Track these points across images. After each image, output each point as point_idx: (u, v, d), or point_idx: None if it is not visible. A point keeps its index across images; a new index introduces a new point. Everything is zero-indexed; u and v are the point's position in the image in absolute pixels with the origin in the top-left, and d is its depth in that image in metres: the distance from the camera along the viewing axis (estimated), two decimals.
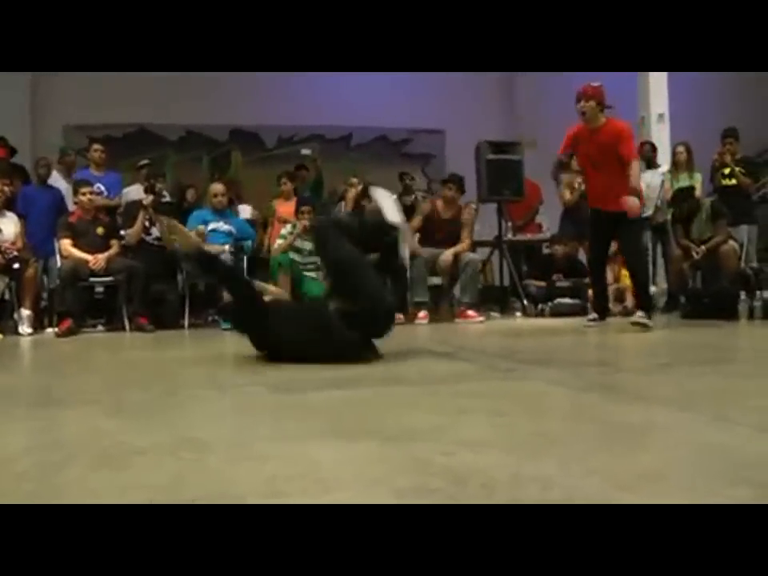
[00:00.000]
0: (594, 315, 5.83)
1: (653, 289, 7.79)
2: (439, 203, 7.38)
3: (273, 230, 8.14)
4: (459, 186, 7.30)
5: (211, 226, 7.10)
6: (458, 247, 7.13)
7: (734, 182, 7.88)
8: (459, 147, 10.03)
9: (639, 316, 5.30)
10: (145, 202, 7.30)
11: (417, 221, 7.26)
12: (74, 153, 8.39)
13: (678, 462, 1.53)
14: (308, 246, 7.10)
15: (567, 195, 8.50)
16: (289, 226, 7.36)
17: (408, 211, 7.97)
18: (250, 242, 7.38)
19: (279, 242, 7.24)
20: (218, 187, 7.34)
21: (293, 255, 7.10)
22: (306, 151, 9.43)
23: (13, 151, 8.22)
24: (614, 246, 7.70)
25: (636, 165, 5.47)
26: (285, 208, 8.17)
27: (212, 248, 6.83)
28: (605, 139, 5.38)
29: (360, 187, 8.28)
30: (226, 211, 7.34)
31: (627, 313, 7.27)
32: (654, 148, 8.71)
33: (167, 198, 7.90)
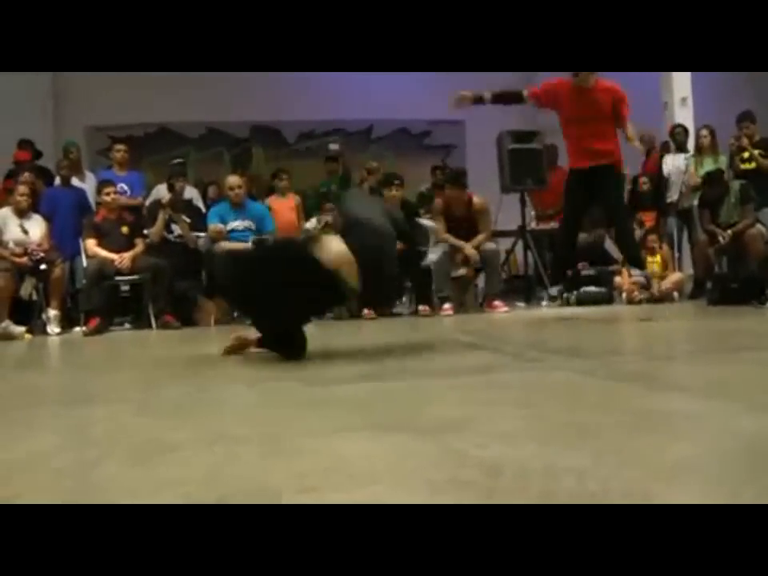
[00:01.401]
0: (555, 290, 5.73)
1: (679, 274, 7.74)
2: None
3: None
4: (459, 184, 7.24)
5: (229, 225, 7.11)
6: (478, 238, 7.09)
7: (753, 165, 7.78)
8: (479, 137, 9.98)
9: (637, 275, 5.24)
10: (163, 201, 7.34)
11: (440, 224, 7.21)
12: (76, 149, 8.34)
13: (712, 451, 1.51)
14: None
15: None
16: (314, 220, 7.36)
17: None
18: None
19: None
20: (234, 180, 7.33)
21: None
22: (334, 146, 9.42)
23: (38, 154, 8.29)
24: (638, 233, 7.67)
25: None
26: (279, 204, 8.09)
27: (235, 246, 6.88)
28: (601, 97, 5.33)
29: (379, 175, 8.28)
30: (243, 204, 7.32)
31: (653, 300, 7.24)
32: (686, 131, 8.63)
33: (190, 197, 7.90)
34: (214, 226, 7.01)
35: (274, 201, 8.15)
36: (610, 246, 8.46)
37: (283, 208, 7.98)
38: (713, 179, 7.59)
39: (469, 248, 6.97)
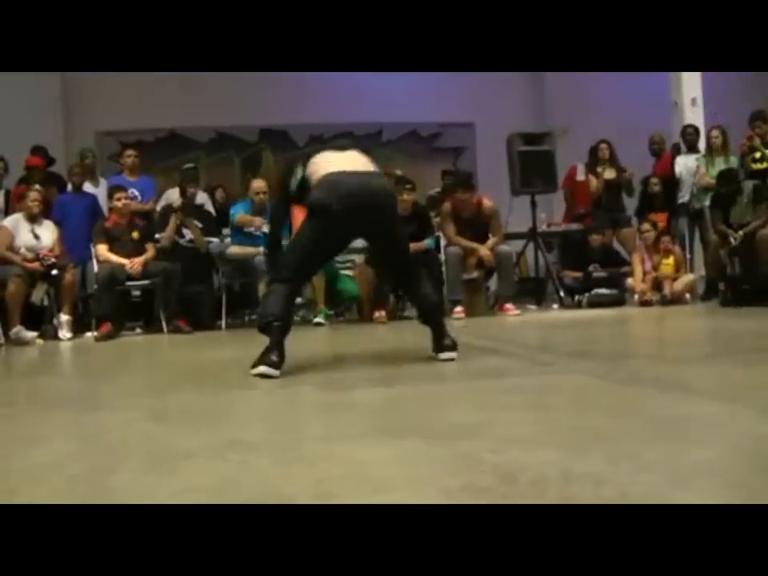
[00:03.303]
0: None
1: (690, 276, 7.69)
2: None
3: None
4: (467, 186, 7.21)
5: (248, 228, 7.11)
6: (492, 241, 7.06)
7: (764, 165, 7.73)
8: (490, 139, 9.96)
9: None
10: (174, 206, 7.36)
11: (449, 226, 7.17)
12: (91, 155, 8.36)
13: (728, 456, 1.50)
14: None
15: (594, 184, 8.42)
16: None
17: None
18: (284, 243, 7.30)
19: None
20: (260, 185, 7.31)
21: None
22: None
23: (51, 161, 8.31)
24: (651, 234, 7.64)
25: None
26: (298, 209, 7.99)
27: (246, 250, 6.89)
28: None
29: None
30: (264, 208, 7.31)
31: (665, 301, 7.20)
32: (697, 132, 8.61)
33: (202, 202, 7.88)
34: (241, 215, 7.03)
35: (293, 206, 8.09)
36: (620, 247, 8.45)
37: (301, 212, 7.91)
38: (726, 177, 7.54)
39: (484, 249, 6.94)
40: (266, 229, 7.07)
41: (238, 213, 7.16)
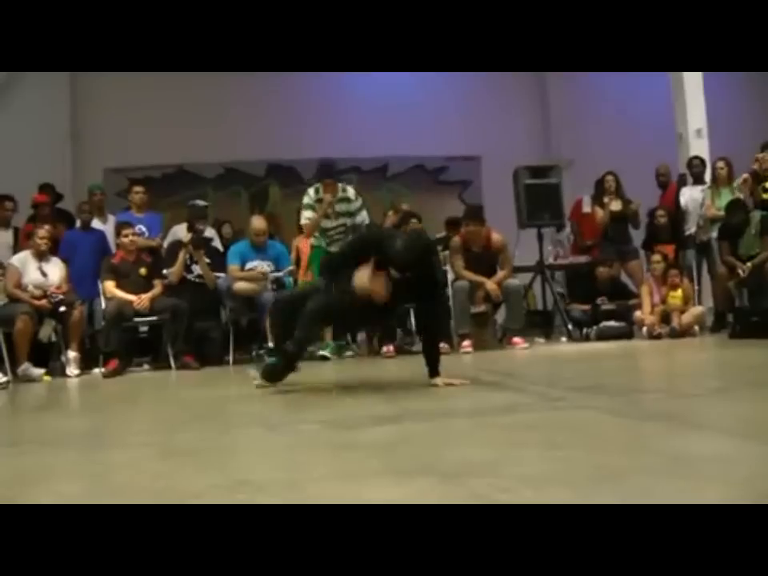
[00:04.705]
0: None
1: (699, 308, 7.64)
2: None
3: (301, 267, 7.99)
4: (477, 220, 7.19)
5: (250, 264, 7.11)
6: (500, 275, 7.05)
7: None
8: (496, 172, 10.03)
9: None
10: (184, 240, 7.37)
11: (458, 261, 7.15)
12: (99, 192, 8.40)
13: (748, 496, 1.47)
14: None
15: (600, 214, 8.40)
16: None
17: None
18: (290, 278, 7.31)
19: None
20: (260, 225, 7.29)
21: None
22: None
23: (59, 197, 8.35)
24: (661, 266, 7.60)
25: None
26: (304, 244, 7.95)
27: (253, 286, 6.89)
28: None
29: (399, 216, 8.19)
30: (264, 244, 7.31)
31: (674, 334, 7.16)
32: (703, 163, 8.58)
33: (210, 237, 7.89)
34: (255, 267, 7.05)
35: (300, 241, 8.10)
36: (628, 279, 8.43)
37: (308, 247, 7.89)
38: (734, 207, 7.51)
39: (490, 283, 6.91)
40: (257, 263, 7.10)
41: (230, 265, 7.15)
